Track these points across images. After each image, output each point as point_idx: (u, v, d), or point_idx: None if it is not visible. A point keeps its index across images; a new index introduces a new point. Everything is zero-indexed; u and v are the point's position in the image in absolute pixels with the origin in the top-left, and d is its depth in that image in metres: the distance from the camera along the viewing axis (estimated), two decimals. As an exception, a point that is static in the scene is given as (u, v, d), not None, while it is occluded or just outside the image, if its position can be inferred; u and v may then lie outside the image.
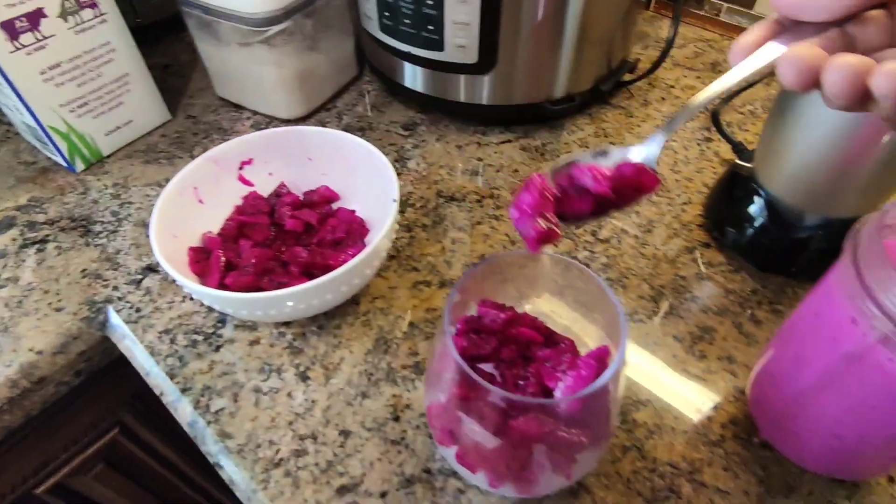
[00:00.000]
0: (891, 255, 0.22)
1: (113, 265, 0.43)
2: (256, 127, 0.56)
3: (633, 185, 0.25)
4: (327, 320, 0.40)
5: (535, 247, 0.25)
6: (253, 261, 0.38)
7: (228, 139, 0.53)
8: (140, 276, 0.42)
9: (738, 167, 0.45)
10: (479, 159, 0.52)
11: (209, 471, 0.56)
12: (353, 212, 0.44)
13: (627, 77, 0.57)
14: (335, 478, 0.32)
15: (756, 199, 0.42)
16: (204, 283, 0.37)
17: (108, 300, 0.41)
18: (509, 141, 0.54)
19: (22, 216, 0.47)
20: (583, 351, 0.31)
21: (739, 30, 0.67)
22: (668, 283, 0.42)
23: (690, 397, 0.35)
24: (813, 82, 0.19)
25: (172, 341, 0.38)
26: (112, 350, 0.41)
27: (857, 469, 0.30)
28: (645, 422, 0.34)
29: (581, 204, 0.26)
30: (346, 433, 0.34)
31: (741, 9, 0.66)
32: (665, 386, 0.36)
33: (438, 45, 0.47)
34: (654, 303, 0.41)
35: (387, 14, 0.48)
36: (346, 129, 0.55)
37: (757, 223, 0.42)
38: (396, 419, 0.35)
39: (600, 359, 0.28)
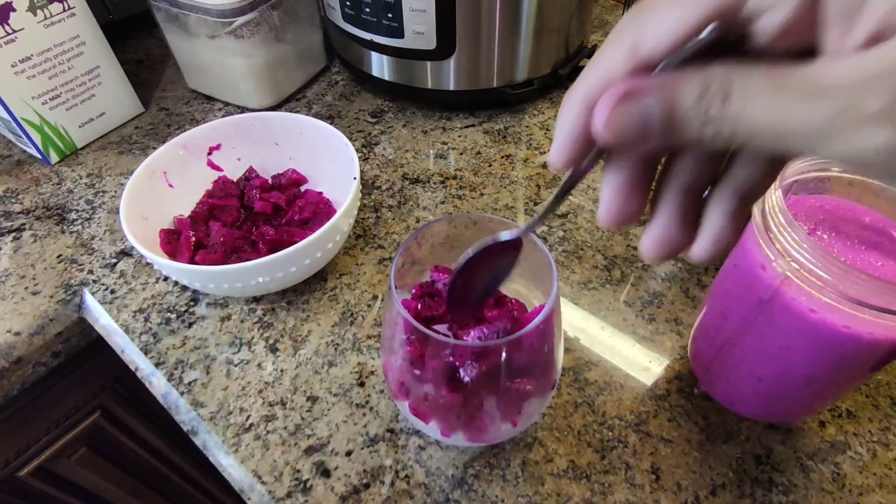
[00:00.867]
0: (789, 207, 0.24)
1: (88, 250, 0.44)
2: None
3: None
4: (296, 296, 0.41)
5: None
6: (221, 239, 0.39)
7: (200, 129, 0.54)
8: (115, 260, 0.44)
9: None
10: (444, 143, 0.54)
11: (191, 453, 0.58)
12: (321, 193, 0.45)
13: (585, 62, 0.59)
14: (303, 439, 0.34)
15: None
16: (175, 261, 0.39)
17: (84, 283, 0.42)
18: (473, 126, 0.56)
19: (-3, 207, 0.48)
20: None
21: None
22: (621, 253, 0.44)
23: (639, 357, 0.38)
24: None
25: (146, 319, 0.40)
26: (89, 332, 0.43)
27: (784, 412, 0.32)
28: (595, 380, 0.37)
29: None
30: (313, 399, 0.36)
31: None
32: (615, 347, 0.38)
33: (398, 33, 0.49)
34: (607, 272, 0.43)
35: (348, 3, 0.49)
36: (316, 117, 0.57)
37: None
38: (361, 385, 0.36)
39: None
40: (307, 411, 0.35)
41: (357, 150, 0.52)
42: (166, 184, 0.42)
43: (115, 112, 0.55)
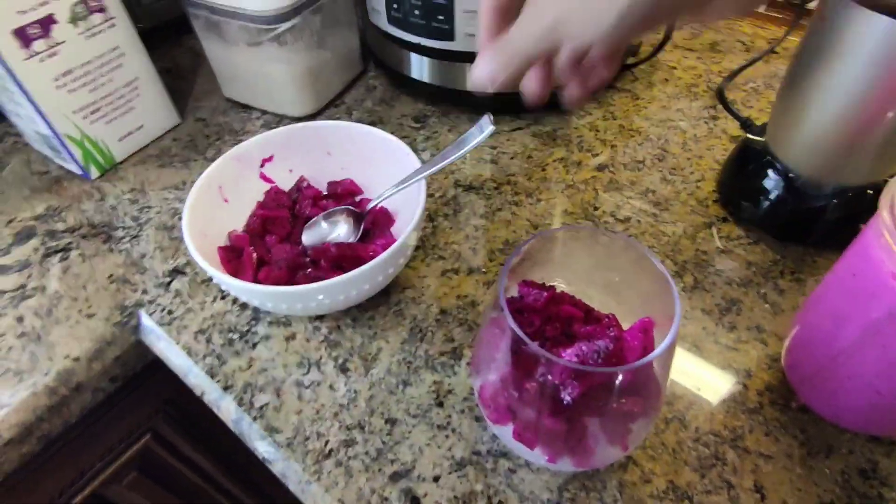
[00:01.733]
0: None
1: (139, 269, 0.43)
2: (267, 126, 0.56)
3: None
4: (360, 312, 0.40)
5: None
6: (284, 256, 0.38)
7: (241, 140, 0.53)
8: (168, 279, 0.42)
9: (749, 141, 0.46)
10: (493, 147, 0.52)
11: (239, 475, 0.57)
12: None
13: (631, 60, 0.58)
14: (387, 465, 0.32)
15: (770, 171, 0.43)
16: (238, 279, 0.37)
17: (139, 304, 0.41)
18: (520, 128, 0.54)
19: (41, 225, 0.46)
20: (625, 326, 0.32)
21: (736, 9, 0.68)
22: (691, 258, 0.43)
23: (725, 368, 0.36)
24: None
25: (209, 341, 0.38)
26: (145, 354, 0.41)
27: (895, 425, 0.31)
28: (683, 394, 0.35)
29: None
30: (392, 421, 0.34)
31: (737, -12, 0.67)
32: (699, 358, 0.37)
33: (449, 35, 0.47)
34: (678, 278, 0.41)
35: (395, 6, 0.48)
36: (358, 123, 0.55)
37: (772, 195, 0.43)
38: (440, 405, 0.35)
39: (645, 330, 0.29)
40: (387, 434, 0.34)
41: (406, 158, 0.51)
42: (221, 199, 0.41)
43: (154, 124, 0.53)
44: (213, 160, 0.51)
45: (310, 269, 0.38)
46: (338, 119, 0.56)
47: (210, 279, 0.42)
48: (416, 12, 0.47)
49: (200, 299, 0.41)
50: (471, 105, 0.56)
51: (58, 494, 0.43)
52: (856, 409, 0.31)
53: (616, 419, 0.27)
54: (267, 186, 0.44)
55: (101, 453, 0.45)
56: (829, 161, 0.39)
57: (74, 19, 0.43)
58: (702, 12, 0.23)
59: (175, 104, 0.56)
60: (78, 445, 0.43)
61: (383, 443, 0.33)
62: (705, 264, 0.42)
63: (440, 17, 0.46)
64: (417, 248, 0.44)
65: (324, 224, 0.41)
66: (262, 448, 0.34)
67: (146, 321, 0.40)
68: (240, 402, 0.35)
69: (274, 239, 0.41)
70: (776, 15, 0.67)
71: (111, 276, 0.43)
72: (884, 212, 0.25)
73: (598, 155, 0.51)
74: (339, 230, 0.41)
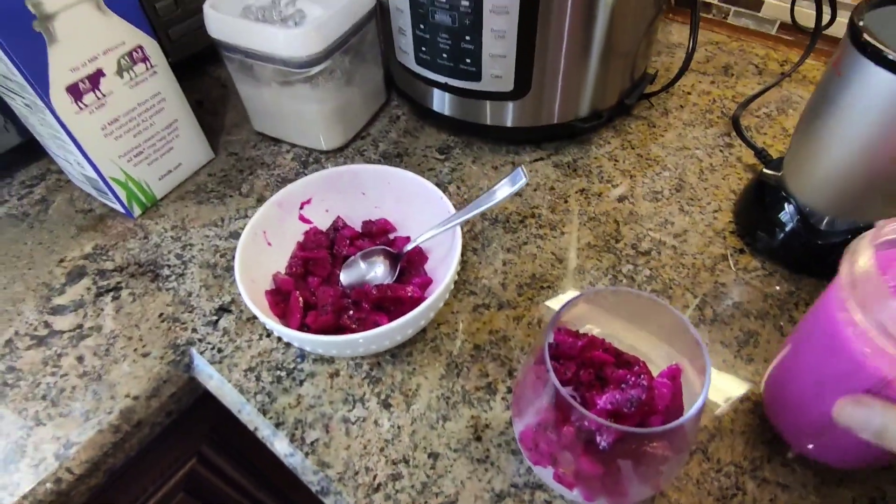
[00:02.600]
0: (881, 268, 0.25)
1: (187, 308, 0.46)
2: (297, 160, 0.58)
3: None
4: (398, 349, 0.42)
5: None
6: (329, 300, 0.40)
7: (273, 174, 0.55)
8: (215, 318, 0.45)
9: (765, 176, 0.48)
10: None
11: (280, 494, 0.60)
12: (409, 239, 0.46)
13: (649, 89, 0.60)
14: (432, 498, 0.35)
15: (786, 205, 0.45)
16: (286, 324, 0.40)
17: (190, 342, 0.43)
18: (542, 159, 0.57)
19: (91, 265, 0.49)
20: (651, 369, 0.34)
21: (747, 32, 0.70)
22: (710, 290, 0.45)
23: (744, 400, 0.39)
24: None
25: (258, 378, 0.41)
26: (196, 389, 0.44)
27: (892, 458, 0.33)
28: (706, 426, 0.38)
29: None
30: (434, 455, 0.37)
31: (748, 11, 0.69)
32: (720, 391, 0.39)
33: (476, 77, 0.49)
34: (699, 311, 0.44)
35: (423, 49, 0.50)
36: (384, 156, 0.58)
37: (787, 228, 0.45)
38: (479, 439, 0.38)
39: (673, 377, 0.32)
40: (430, 468, 0.36)
41: (434, 192, 0.53)
42: (265, 243, 0.43)
43: (190, 161, 0.55)
44: (247, 195, 0.54)
45: (352, 311, 0.41)
46: (364, 152, 0.58)
47: (255, 317, 0.44)
48: (444, 55, 0.49)
49: (247, 337, 0.44)
50: (492, 136, 0.58)
51: (116, 518, 0.46)
52: (856, 455, 0.33)
53: (649, 462, 0.29)
54: (305, 227, 0.46)
55: (153, 478, 0.48)
56: (843, 202, 0.41)
57: (121, 71, 0.46)
58: None
59: (207, 138, 0.58)
60: (134, 474, 0.45)
61: (427, 476, 0.36)
62: (724, 296, 0.45)
63: (468, 60, 0.48)
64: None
65: (362, 264, 0.44)
66: (315, 481, 0.37)
67: (198, 360, 0.43)
68: (292, 439, 0.38)
69: (316, 280, 0.43)
70: (787, 37, 0.68)
71: (161, 314, 0.45)
72: (843, 271, 0.26)
73: (617, 186, 0.53)
74: (377, 270, 0.44)
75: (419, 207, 0.45)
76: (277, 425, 0.39)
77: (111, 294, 0.47)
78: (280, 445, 0.38)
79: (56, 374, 0.42)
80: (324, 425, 0.39)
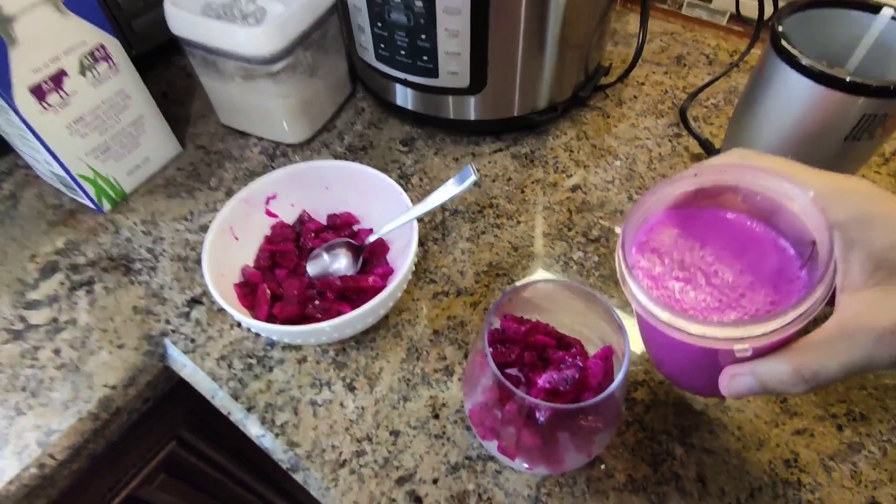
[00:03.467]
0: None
1: (160, 300, 0.48)
2: (264, 153, 0.60)
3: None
4: (362, 335, 0.45)
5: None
6: (295, 292, 0.43)
7: (240, 167, 0.57)
8: (187, 309, 0.47)
9: (706, 166, 0.51)
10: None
11: (258, 472, 0.63)
12: (371, 231, 0.49)
13: (603, 81, 0.62)
14: (393, 471, 0.38)
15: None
16: (255, 315, 0.42)
17: (164, 333, 0.46)
18: (501, 150, 0.59)
19: (63, 260, 0.50)
20: (588, 348, 0.38)
21: (700, 22, 0.72)
22: (653, 274, 0.48)
23: (677, 374, 0.43)
24: None
25: (230, 366, 0.44)
26: (172, 376, 0.46)
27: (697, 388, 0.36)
28: (643, 399, 0.41)
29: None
30: (395, 433, 0.40)
31: (701, 2, 0.71)
32: (653, 367, 0.43)
33: (433, 73, 0.51)
34: (641, 294, 0.47)
35: (382, 46, 0.52)
36: (349, 149, 0.60)
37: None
38: (436, 416, 0.41)
39: (605, 357, 0.35)
40: (392, 445, 0.40)
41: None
42: (233, 237, 0.45)
43: (158, 155, 0.57)
44: (216, 189, 0.56)
45: (317, 301, 0.43)
46: (330, 145, 0.60)
47: (226, 308, 0.47)
48: (402, 52, 0.50)
49: (219, 327, 0.46)
50: (454, 129, 0.61)
51: (99, 499, 0.49)
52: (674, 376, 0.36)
53: (582, 433, 0.33)
54: (272, 221, 0.48)
55: (133, 461, 0.50)
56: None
57: (84, 70, 0.47)
58: None
59: (174, 131, 0.59)
60: (115, 457, 0.48)
61: (389, 452, 0.39)
62: (664, 280, 0.48)
63: (424, 58, 0.50)
64: (411, 272, 0.49)
65: (326, 257, 0.46)
66: (286, 460, 0.40)
67: (171, 350, 0.45)
68: (262, 421, 0.41)
69: (284, 272, 0.45)
70: (737, 28, 0.71)
71: (135, 307, 0.47)
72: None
73: (571, 176, 0.56)
74: (341, 262, 0.46)
75: (380, 201, 0.47)
76: (249, 409, 0.42)
77: (84, 288, 0.48)
78: (252, 428, 0.41)
79: (35, 367, 0.44)
80: (293, 408, 0.42)
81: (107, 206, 0.54)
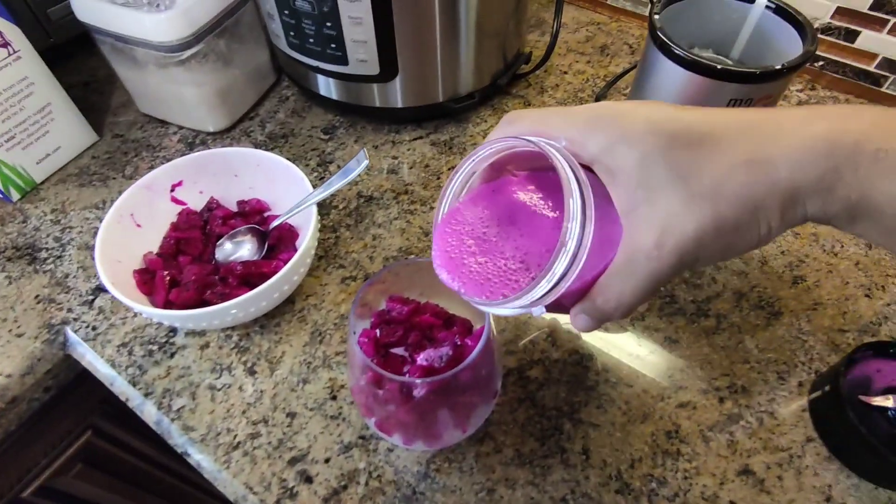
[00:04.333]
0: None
1: (64, 289, 0.47)
2: (184, 141, 0.59)
3: None
4: (268, 320, 0.46)
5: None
6: (193, 277, 0.43)
7: (158, 156, 0.57)
8: (91, 297, 0.47)
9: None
10: (395, 157, 0.58)
11: (181, 458, 0.63)
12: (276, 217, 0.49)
13: (523, 69, 0.63)
14: (286, 452, 0.39)
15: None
16: (152, 301, 0.42)
17: (65, 322, 0.45)
18: (421, 137, 0.60)
19: (-34, 250, 0.50)
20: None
21: (626, 13, 0.74)
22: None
23: (571, 353, 0.44)
24: None
25: (130, 353, 0.44)
26: (76, 365, 0.46)
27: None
28: (537, 377, 0.43)
29: None
30: (292, 415, 0.41)
31: (625, -7, 0.73)
32: (551, 347, 0.44)
33: (343, 61, 0.51)
34: (545, 276, 0.48)
35: (292, 33, 0.52)
36: (270, 137, 0.60)
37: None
38: (334, 398, 0.41)
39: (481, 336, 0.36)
40: (287, 426, 0.40)
41: (312, 170, 0.56)
42: (134, 225, 0.45)
43: (71, 144, 0.56)
44: (131, 178, 0.55)
45: (219, 287, 0.43)
46: (251, 133, 0.60)
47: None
48: (312, 40, 0.51)
49: (122, 315, 0.46)
50: (376, 117, 0.61)
51: (8, 489, 0.48)
52: None
53: (458, 408, 0.34)
54: (179, 208, 0.48)
55: (45, 451, 0.50)
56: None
57: (-21, 56, 0.46)
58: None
59: (93, 120, 0.58)
60: (22, 446, 0.48)
61: (283, 433, 0.40)
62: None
63: (333, 46, 0.50)
64: (321, 257, 0.49)
65: (228, 244, 0.46)
66: (181, 444, 0.40)
67: (72, 338, 0.45)
68: (159, 406, 0.41)
69: (187, 259, 0.45)
70: (660, 18, 0.73)
71: (37, 296, 0.47)
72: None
73: (487, 162, 0.57)
74: (246, 248, 0.46)
75: (287, 188, 0.47)
76: (146, 395, 0.42)
77: (-14, 278, 0.48)
78: (149, 413, 0.41)
79: (-72, 357, 0.43)
80: (191, 393, 0.42)
81: (15, 195, 0.53)
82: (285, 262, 0.45)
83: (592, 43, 0.71)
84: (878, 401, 0.37)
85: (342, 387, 0.42)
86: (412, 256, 0.49)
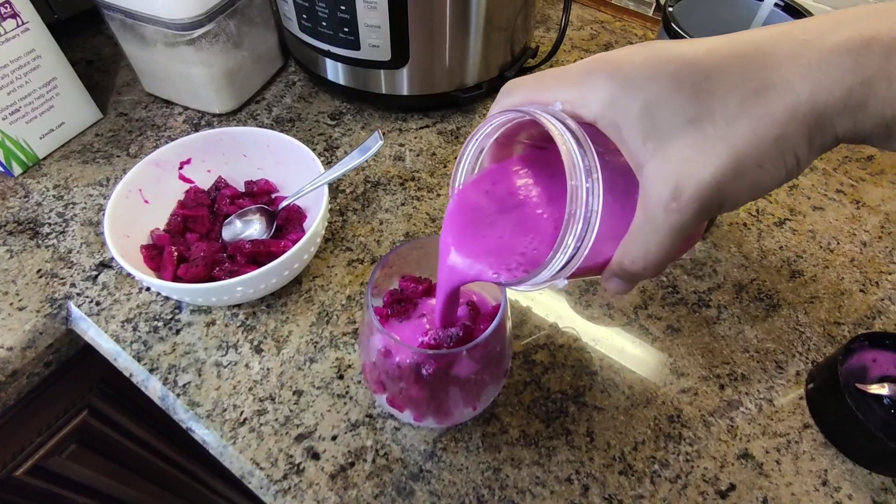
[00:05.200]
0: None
1: (67, 264, 0.47)
2: (189, 122, 0.59)
3: None
4: (274, 300, 0.46)
5: None
6: (202, 253, 0.43)
7: (163, 136, 0.56)
8: (95, 273, 0.46)
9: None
10: (402, 145, 0.58)
11: (177, 441, 0.62)
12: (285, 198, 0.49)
13: (530, 63, 0.64)
14: (293, 429, 0.39)
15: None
16: (160, 276, 0.42)
17: (68, 296, 0.45)
18: (427, 126, 0.60)
19: (-34, 223, 0.49)
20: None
21: (629, 12, 0.75)
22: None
23: (576, 339, 0.44)
24: None
25: (135, 329, 0.43)
26: (77, 340, 0.46)
27: None
28: (542, 361, 0.43)
29: None
30: (299, 392, 0.41)
31: (630, -7, 0.74)
32: (558, 331, 0.45)
33: (355, 45, 0.52)
34: (550, 264, 0.49)
35: (305, 16, 0.52)
36: (277, 120, 0.60)
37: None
38: (341, 377, 0.42)
39: (494, 316, 0.36)
40: (294, 404, 0.40)
41: (319, 154, 0.56)
42: (142, 200, 0.45)
43: (75, 120, 0.55)
44: (135, 156, 0.55)
45: (227, 264, 0.43)
46: (258, 116, 0.60)
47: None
48: (324, 23, 0.51)
49: (126, 291, 0.45)
50: (383, 104, 0.61)
51: (1, 467, 0.48)
52: None
53: (468, 387, 0.34)
54: (187, 186, 0.48)
55: (39, 429, 0.49)
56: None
57: (-13, 26, 0.45)
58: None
59: (96, 98, 0.58)
60: (18, 423, 0.47)
61: (290, 411, 0.40)
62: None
63: (346, 30, 0.50)
64: (328, 240, 0.49)
65: (238, 222, 0.46)
66: (186, 420, 0.40)
67: (75, 312, 0.44)
68: (164, 382, 0.41)
69: (195, 236, 0.45)
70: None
71: (39, 270, 0.46)
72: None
73: (493, 152, 0.58)
74: (254, 227, 0.46)
75: (297, 169, 0.47)
76: (151, 370, 0.41)
77: (-13, 251, 0.47)
78: (154, 388, 0.41)
79: (-74, 328, 0.42)
80: (196, 369, 0.42)
81: (17, 169, 0.52)
82: (294, 243, 0.45)
83: (597, 41, 0.72)
84: (874, 389, 0.38)
85: (349, 366, 0.42)
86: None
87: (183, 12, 0.49)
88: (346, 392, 0.41)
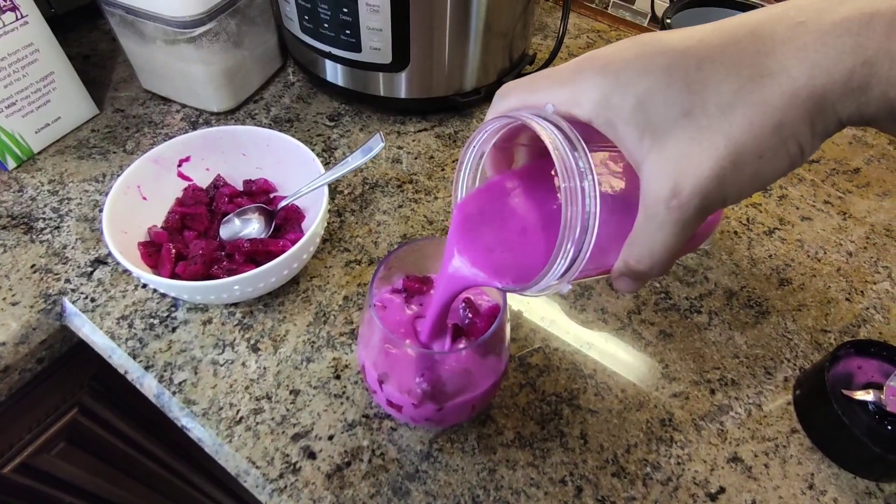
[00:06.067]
0: None
1: (61, 260, 0.46)
2: (186, 120, 0.59)
3: None
4: (271, 299, 0.46)
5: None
6: (200, 251, 0.43)
7: (160, 133, 0.56)
8: (90, 269, 0.46)
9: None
10: (400, 147, 0.58)
11: (166, 441, 0.62)
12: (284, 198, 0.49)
13: (528, 69, 0.65)
14: (289, 428, 0.39)
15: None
16: (158, 274, 0.42)
17: (62, 292, 0.44)
18: (425, 130, 0.61)
19: (-42, 216, 0.48)
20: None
21: (625, 22, 0.76)
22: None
23: (570, 342, 0.45)
24: None
25: (130, 326, 0.43)
26: (71, 337, 0.45)
27: None
28: (537, 364, 0.44)
29: None
30: (295, 392, 0.41)
31: (624, 3, 0.75)
32: (552, 335, 0.45)
33: (356, 48, 0.52)
34: (546, 268, 0.50)
35: (306, 17, 0.52)
36: (275, 120, 0.60)
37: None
38: (338, 377, 0.42)
39: (493, 315, 0.37)
40: (291, 403, 0.40)
41: (318, 155, 0.56)
42: (140, 197, 0.45)
43: (71, 116, 0.55)
44: (132, 153, 0.55)
45: (225, 263, 0.43)
46: (256, 115, 0.60)
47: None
48: (326, 25, 0.51)
49: (122, 288, 0.45)
50: (381, 107, 0.62)
51: (-12, 465, 0.47)
52: None
53: (465, 387, 0.34)
54: (185, 184, 0.48)
55: (29, 426, 0.49)
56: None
57: (-14, 18, 0.45)
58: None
59: (93, 94, 0.57)
60: (8, 420, 0.46)
61: (287, 410, 0.40)
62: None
63: (347, 32, 0.51)
64: (325, 240, 0.50)
65: (237, 221, 0.46)
66: (181, 417, 0.40)
67: (70, 308, 0.44)
68: (160, 380, 0.41)
69: (192, 234, 0.45)
70: (656, 29, 0.75)
71: (33, 265, 0.46)
72: None
73: (490, 157, 0.58)
74: (253, 226, 0.46)
75: (296, 169, 0.48)
76: (147, 368, 0.41)
77: (-20, 245, 0.47)
78: (149, 386, 0.41)
79: (-84, 322, 0.42)
80: (193, 368, 0.41)
81: (12, 163, 0.52)
82: (291, 242, 0.45)
83: (593, 49, 0.73)
84: (860, 395, 0.39)
85: (346, 366, 0.42)
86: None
87: (184, 10, 0.49)
88: (343, 392, 0.41)
